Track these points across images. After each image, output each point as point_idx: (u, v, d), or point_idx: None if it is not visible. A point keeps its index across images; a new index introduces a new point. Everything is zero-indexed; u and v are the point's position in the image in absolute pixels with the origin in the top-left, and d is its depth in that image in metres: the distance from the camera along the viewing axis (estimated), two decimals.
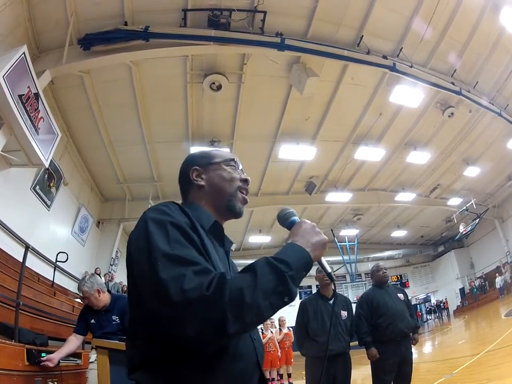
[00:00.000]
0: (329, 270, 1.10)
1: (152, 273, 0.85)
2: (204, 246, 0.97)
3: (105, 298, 3.43)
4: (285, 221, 1.16)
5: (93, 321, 3.41)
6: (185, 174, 1.24)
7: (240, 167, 1.27)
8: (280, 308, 0.88)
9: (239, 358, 0.96)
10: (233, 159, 1.26)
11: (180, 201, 1.20)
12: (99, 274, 10.87)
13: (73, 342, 3.49)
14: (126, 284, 1.10)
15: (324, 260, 1.07)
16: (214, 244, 1.08)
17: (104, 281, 8.92)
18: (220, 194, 1.19)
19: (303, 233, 1.02)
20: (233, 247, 15.21)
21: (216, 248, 1.08)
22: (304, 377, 3.97)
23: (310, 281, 21.74)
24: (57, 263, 8.42)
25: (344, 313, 3.83)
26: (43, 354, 3.67)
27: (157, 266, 0.84)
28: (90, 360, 3.48)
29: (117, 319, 3.35)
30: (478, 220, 17.92)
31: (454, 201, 17.55)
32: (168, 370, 0.90)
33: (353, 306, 4.12)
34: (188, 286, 0.81)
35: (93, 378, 3.19)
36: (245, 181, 1.24)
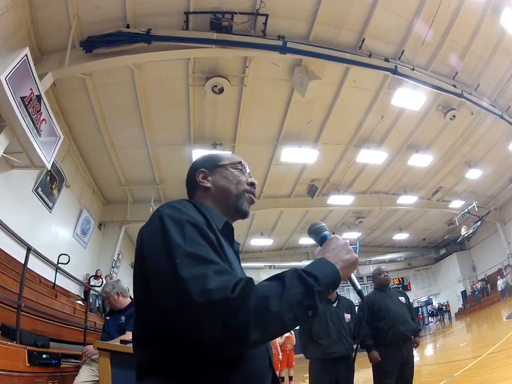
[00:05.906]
0: (359, 287, 1.08)
1: (171, 271, 0.81)
2: (221, 245, 0.95)
3: (123, 301, 3.87)
4: (317, 235, 1.15)
5: (108, 318, 3.99)
6: (192, 177, 1.25)
7: (248, 170, 1.29)
8: (303, 321, 0.86)
9: (254, 360, 0.93)
10: (240, 162, 1.27)
11: None
12: (100, 276, 10.93)
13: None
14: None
15: (354, 277, 1.05)
16: (227, 244, 1.06)
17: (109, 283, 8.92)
18: (226, 195, 1.19)
19: (335, 250, 1.00)
20: None
21: (229, 248, 1.06)
22: (306, 380, 3.97)
23: None
24: (59, 265, 8.42)
25: (347, 316, 3.83)
26: (44, 355, 3.70)
27: (177, 264, 0.81)
28: None
29: (123, 319, 3.71)
30: (479, 222, 17.86)
31: (456, 204, 17.53)
32: (181, 376, 0.85)
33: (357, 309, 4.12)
34: (211, 286, 0.77)
35: None
36: (252, 184, 1.25)
